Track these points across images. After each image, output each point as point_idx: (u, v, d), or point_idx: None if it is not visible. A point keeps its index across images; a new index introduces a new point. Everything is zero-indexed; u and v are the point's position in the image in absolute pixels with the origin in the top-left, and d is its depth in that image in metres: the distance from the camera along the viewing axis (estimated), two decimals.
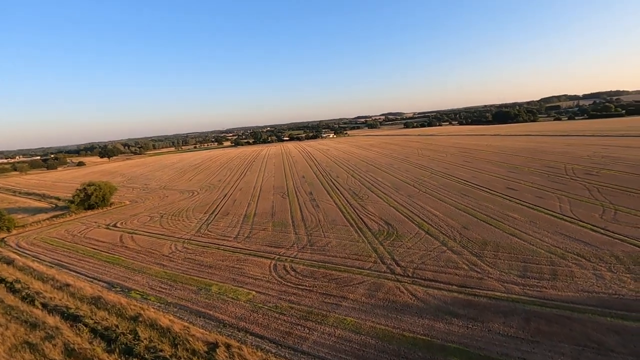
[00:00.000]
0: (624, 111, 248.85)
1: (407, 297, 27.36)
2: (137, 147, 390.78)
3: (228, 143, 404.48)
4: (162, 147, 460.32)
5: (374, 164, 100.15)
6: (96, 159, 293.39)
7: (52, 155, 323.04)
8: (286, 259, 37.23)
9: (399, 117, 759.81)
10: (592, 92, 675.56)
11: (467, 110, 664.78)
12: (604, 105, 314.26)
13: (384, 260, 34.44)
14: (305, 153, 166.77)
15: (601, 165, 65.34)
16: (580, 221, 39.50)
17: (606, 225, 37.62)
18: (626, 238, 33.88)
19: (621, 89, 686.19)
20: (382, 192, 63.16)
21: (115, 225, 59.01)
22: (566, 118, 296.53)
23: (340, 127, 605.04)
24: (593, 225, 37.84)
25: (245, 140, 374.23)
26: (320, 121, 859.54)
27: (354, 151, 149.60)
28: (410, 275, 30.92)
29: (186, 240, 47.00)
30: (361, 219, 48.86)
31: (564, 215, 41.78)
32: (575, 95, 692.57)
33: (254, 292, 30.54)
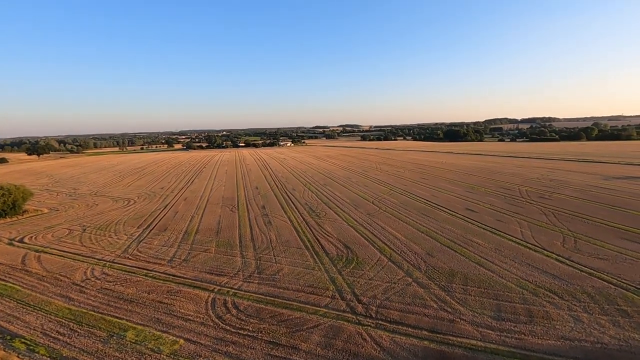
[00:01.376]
0: (557, 136, 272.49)
1: (371, 348, 22.77)
2: (75, 144, 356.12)
3: (179, 146, 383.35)
4: (105, 147, 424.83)
5: (332, 177, 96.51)
6: (23, 155, 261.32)
7: None
8: (228, 292, 31.18)
9: (356, 129, 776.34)
10: (529, 117, 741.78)
11: (420, 127, 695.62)
12: (540, 130, 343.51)
13: (344, 295, 29.76)
14: (260, 161, 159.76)
15: (551, 189, 66.92)
16: (544, 249, 37.97)
17: (570, 255, 36.28)
18: (592, 271, 32.39)
19: (552, 116, 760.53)
20: (340, 209, 59.04)
21: (21, 241, 48.64)
22: (509, 139, 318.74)
23: (298, 135, 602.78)
24: (557, 255, 36.32)
25: (198, 144, 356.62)
26: (278, 129, 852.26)
27: (311, 162, 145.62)
28: (373, 316, 26.46)
29: (108, 264, 38.92)
30: (318, 240, 44.05)
31: (527, 243, 40.20)
32: (514, 119, 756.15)
33: (181, 341, 24.19)
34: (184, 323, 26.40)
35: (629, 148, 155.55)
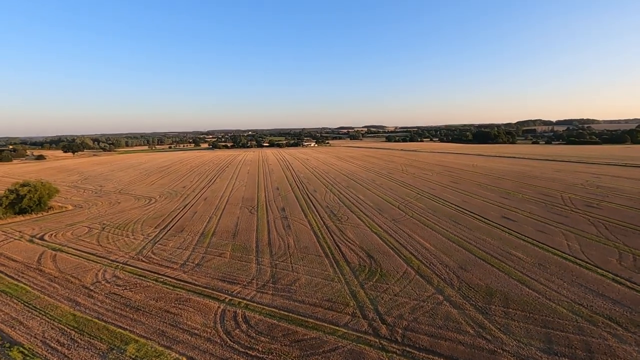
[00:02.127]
0: (598, 139, 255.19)
1: None
2: (108, 143, 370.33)
3: (205, 145, 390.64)
4: (136, 145, 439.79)
5: (355, 179, 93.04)
6: (59, 153, 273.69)
7: (11, 146, 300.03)
8: (239, 303, 28.72)
9: (380, 130, 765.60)
10: (565, 118, 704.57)
11: (448, 128, 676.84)
12: (578, 132, 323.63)
13: (366, 313, 26.57)
14: (283, 161, 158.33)
15: (599, 197, 60.51)
16: (597, 267, 33.13)
17: (630, 275, 31.33)
18: None
19: (592, 118, 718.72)
20: (363, 214, 55.66)
21: (42, 238, 48.55)
22: (543, 142, 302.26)
23: (322, 136, 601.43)
24: (615, 275, 31.47)
25: (224, 144, 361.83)
26: (303, 129, 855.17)
27: (334, 162, 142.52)
28: (399, 340, 23.13)
29: (120, 266, 37.56)
30: (339, 247, 40.99)
31: (576, 258, 35.38)
32: (549, 121, 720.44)
33: (184, 359, 21.88)
34: (190, 338, 24.11)
35: None
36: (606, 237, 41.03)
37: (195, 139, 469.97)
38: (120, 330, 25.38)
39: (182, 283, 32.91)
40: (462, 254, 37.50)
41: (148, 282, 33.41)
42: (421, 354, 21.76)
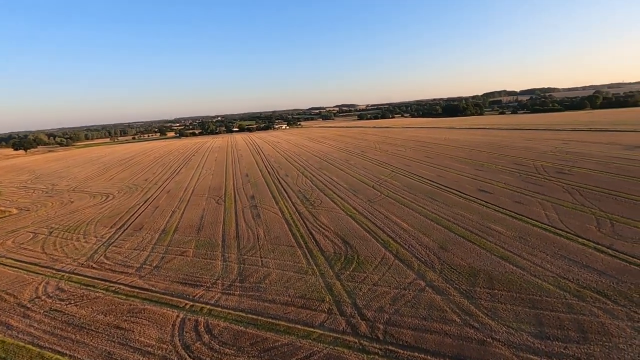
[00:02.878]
0: (560, 107, 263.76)
1: None
2: (65, 137, 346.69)
3: (172, 134, 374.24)
4: (97, 138, 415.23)
5: (328, 160, 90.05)
6: (9, 151, 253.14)
7: None
8: (202, 309, 25.44)
9: (352, 109, 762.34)
10: (528, 88, 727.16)
11: (418, 103, 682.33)
12: (542, 101, 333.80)
13: (343, 308, 24.04)
14: (253, 146, 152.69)
15: (570, 163, 60.71)
16: (578, 237, 32.13)
17: (611, 242, 30.46)
18: None
19: (552, 87, 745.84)
20: (337, 196, 52.98)
21: None
22: (510, 112, 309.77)
23: (293, 118, 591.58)
24: (596, 243, 30.50)
25: (191, 131, 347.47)
26: (274, 112, 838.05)
27: (306, 144, 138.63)
28: (381, 338, 20.77)
29: (66, 276, 33.12)
30: (312, 235, 38.17)
31: (556, 228, 34.33)
32: (513, 91, 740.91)
33: None
34: (142, 359, 20.73)
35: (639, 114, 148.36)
36: (582, 204, 40.42)
37: (161, 128, 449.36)
38: (58, 356, 21.60)
39: (137, 290, 29.12)
40: (441, 233, 35.63)
41: (97, 292, 29.38)
42: (405, 352, 19.50)
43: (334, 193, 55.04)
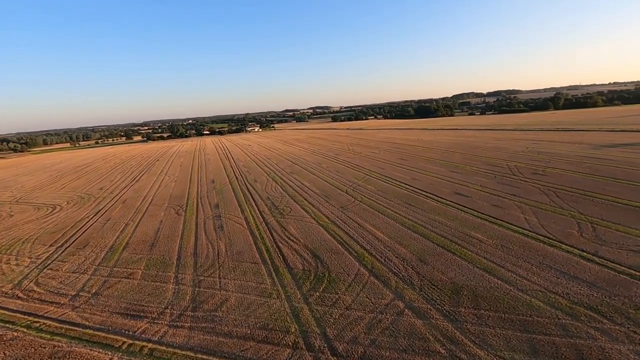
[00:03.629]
0: (526, 107, 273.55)
1: None
2: (20, 143, 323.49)
3: (139, 138, 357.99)
4: (56, 143, 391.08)
5: (301, 163, 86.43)
6: None
7: None
8: (142, 350, 21.15)
9: (326, 111, 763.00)
10: (494, 90, 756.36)
11: (390, 105, 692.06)
12: (508, 102, 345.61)
13: (311, 341, 20.51)
14: (222, 150, 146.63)
15: (543, 163, 60.23)
16: (561, 243, 30.25)
17: (595, 249, 28.69)
18: (633, 271, 24.83)
19: (516, 88, 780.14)
20: (308, 203, 49.48)
21: None
22: (478, 113, 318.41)
23: (267, 120, 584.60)
24: (580, 250, 28.63)
25: (159, 135, 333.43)
26: (247, 114, 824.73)
27: (278, 147, 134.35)
28: None
29: None
30: (279, 249, 34.44)
31: (537, 234, 32.41)
32: (480, 93, 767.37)
33: None
34: None
35: (600, 115, 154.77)
36: (560, 207, 39.01)
37: (127, 132, 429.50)
38: None
39: (66, 327, 24.31)
40: (419, 242, 32.89)
41: (16, 331, 24.29)
42: None
43: (305, 200, 51.50)
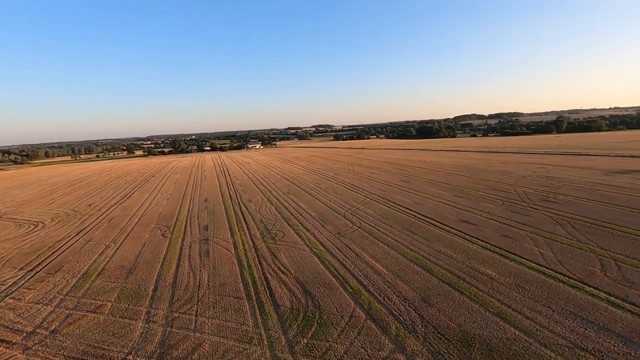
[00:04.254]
0: (528, 130, 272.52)
1: None
2: (21, 155, 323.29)
3: (140, 152, 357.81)
4: (57, 156, 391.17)
5: (298, 183, 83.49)
6: None
7: None
8: None
9: (328, 130, 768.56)
10: (496, 112, 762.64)
11: (392, 125, 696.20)
12: (510, 125, 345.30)
13: None
14: (221, 167, 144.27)
15: (553, 190, 56.98)
16: (584, 284, 26.74)
17: (625, 292, 25.16)
18: None
19: (518, 111, 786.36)
20: (303, 227, 46.19)
21: None
22: (481, 135, 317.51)
23: (270, 137, 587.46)
24: (607, 294, 25.11)
25: (160, 150, 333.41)
26: (249, 131, 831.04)
27: (277, 165, 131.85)
28: None
29: None
30: (267, 281, 31.00)
31: (556, 272, 28.91)
32: (482, 115, 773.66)
33: None
34: None
35: (605, 139, 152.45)
36: (577, 239, 35.58)
37: (129, 146, 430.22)
38: None
39: None
40: (422, 278, 29.42)
41: None
42: None
43: (300, 223, 48.23)
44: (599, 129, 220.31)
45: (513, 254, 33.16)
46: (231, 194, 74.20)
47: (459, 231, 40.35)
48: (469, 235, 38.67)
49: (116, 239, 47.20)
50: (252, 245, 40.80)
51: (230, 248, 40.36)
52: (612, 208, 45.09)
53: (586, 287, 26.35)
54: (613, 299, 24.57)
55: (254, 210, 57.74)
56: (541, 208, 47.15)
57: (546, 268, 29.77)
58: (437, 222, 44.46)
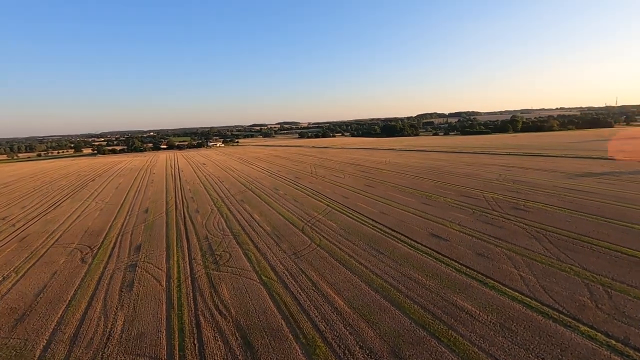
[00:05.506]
0: (487, 129, 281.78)
1: None
2: None
3: (89, 150, 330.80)
4: None
5: (255, 188, 76.47)
6: None
7: None
8: None
9: (294, 127, 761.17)
10: (456, 111, 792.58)
11: (357, 123, 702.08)
12: (470, 124, 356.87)
13: None
14: (173, 168, 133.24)
15: (522, 196, 54.52)
16: (577, 321, 22.68)
17: (624, 332, 21.32)
18: None
19: (475, 110, 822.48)
20: (254, 246, 39.72)
21: None
22: (442, 133, 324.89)
23: (233, 134, 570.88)
24: (606, 335, 21.15)
25: (111, 148, 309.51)
26: (211, 128, 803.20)
27: (235, 167, 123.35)
28: None
29: None
30: (198, 329, 24.38)
31: (542, 304, 24.78)
32: (443, 113, 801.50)
33: None
34: None
35: (560, 139, 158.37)
36: (557, 258, 32.08)
37: (76, 144, 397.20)
38: None
39: None
40: (391, 319, 24.16)
41: None
42: None
43: (251, 240, 41.70)
44: (551, 129, 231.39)
45: (492, 279, 28.87)
46: (177, 202, 65.77)
47: (430, 249, 35.78)
48: (441, 255, 34.16)
49: (20, 267, 38.16)
50: (189, 273, 33.77)
51: (161, 278, 33.09)
52: (585, 217, 42.70)
53: (580, 325, 22.28)
54: (613, 342, 20.58)
55: (200, 223, 50.28)
56: (513, 218, 43.93)
57: (531, 299, 25.57)
58: (405, 237, 39.74)
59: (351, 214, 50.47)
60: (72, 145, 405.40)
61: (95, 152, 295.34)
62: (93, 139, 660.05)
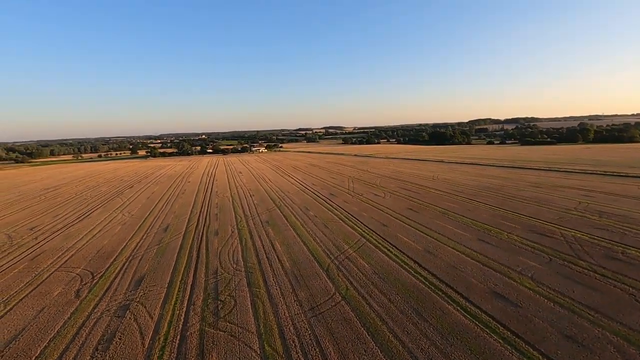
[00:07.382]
0: (551, 139, 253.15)
1: None
2: (22, 153, 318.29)
3: (144, 152, 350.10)
4: (63, 154, 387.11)
5: (284, 205, 70.02)
6: None
7: None
8: None
9: (339, 132, 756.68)
10: (512, 117, 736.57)
11: (404, 128, 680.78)
12: (530, 132, 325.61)
13: None
14: (209, 176, 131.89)
15: (615, 236, 42.08)
16: None
17: None
18: None
19: (534, 116, 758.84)
20: (265, 290, 32.68)
21: None
22: (498, 142, 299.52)
23: (278, 139, 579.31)
24: None
25: (163, 151, 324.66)
26: (258, 132, 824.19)
27: (269, 177, 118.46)
28: None
29: None
30: None
31: None
32: (498, 119, 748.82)
33: None
34: None
35: None
36: None
37: (134, 146, 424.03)
38: None
39: None
40: None
41: None
42: None
43: (265, 282, 34.76)
44: (632, 139, 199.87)
45: None
46: (200, 220, 61.06)
47: (494, 319, 26.23)
48: (511, 332, 24.54)
49: (13, 297, 34.54)
50: (180, 328, 27.45)
51: (147, 332, 27.10)
52: None
53: None
54: None
55: (214, 251, 44.45)
56: (610, 274, 32.55)
57: None
58: (458, 293, 30.38)
59: (389, 250, 41.74)
60: (131, 147, 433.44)
61: (148, 154, 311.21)
62: (151, 140, 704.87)
